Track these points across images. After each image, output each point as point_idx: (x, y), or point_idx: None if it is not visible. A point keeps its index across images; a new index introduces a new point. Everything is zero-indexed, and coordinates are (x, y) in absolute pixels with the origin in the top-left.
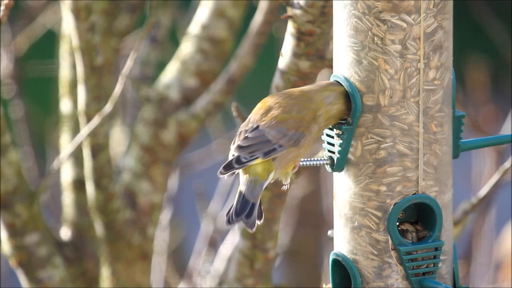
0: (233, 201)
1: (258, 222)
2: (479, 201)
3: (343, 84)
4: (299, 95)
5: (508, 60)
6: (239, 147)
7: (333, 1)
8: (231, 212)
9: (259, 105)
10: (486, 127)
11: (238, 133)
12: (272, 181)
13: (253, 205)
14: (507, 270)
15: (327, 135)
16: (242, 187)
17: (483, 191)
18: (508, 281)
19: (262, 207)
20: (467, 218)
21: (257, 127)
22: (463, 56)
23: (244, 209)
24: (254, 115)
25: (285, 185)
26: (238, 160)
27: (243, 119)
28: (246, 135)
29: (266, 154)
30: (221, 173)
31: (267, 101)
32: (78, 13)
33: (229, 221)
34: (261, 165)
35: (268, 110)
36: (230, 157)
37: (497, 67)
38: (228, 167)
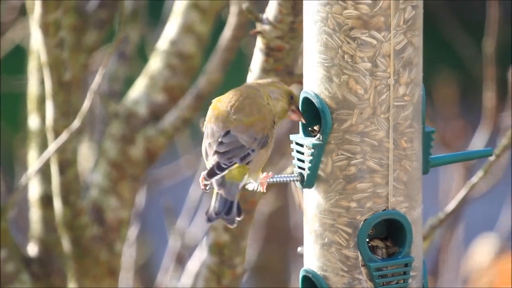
0: (211, 201)
1: (238, 219)
2: (446, 216)
3: (313, 100)
4: (249, 91)
5: (477, 75)
6: (217, 153)
7: (304, 17)
8: (211, 211)
9: (214, 113)
10: (455, 142)
11: (206, 145)
12: (247, 184)
13: (232, 202)
14: (474, 285)
15: (297, 151)
16: (218, 189)
17: (450, 206)
18: None
19: (240, 206)
20: (435, 233)
21: (228, 131)
22: (432, 71)
23: (223, 207)
24: (216, 122)
25: (254, 185)
26: (219, 167)
27: None
28: (220, 140)
29: (242, 159)
30: (205, 179)
31: (219, 106)
32: (47, 28)
33: (209, 219)
34: (237, 169)
35: (227, 115)
36: (210, 164)
37: (465, 82)
38: (211, 174)
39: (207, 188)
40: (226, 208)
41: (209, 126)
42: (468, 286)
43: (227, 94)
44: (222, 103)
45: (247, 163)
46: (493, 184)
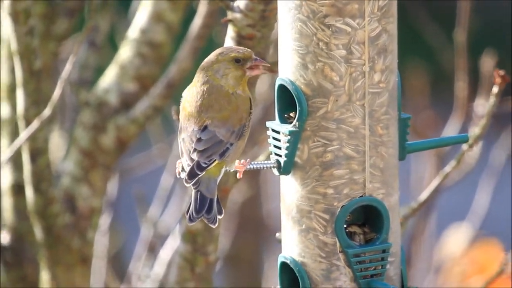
0: (190, 200)
1: (219, 217)
2: (419, 206)
3: (288, 87)
4: (207, 87)
5: (448, 65)
6: (196, 151)
7: (278, 4)
8: (191, 210)
9: (184, 113)
10: (425, 132)
11: (180, 140)
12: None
13: (211, 200)
14: (446, 274)
15: (274, 138)
16: (196, 187)
17: (423, 195)
18: (447, 285)
19: (220, 203)
20: (408, 223)
21: (206, 127)
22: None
23: (203, 206)
24: (188, 122)
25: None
26: (198, 166)
27: None
28: (198, 136)
29: (221, 155)
30: (186, 182)
31: (186, 106)
32: (17, 16)
33: (191, 219)
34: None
35: (199, 115)
36: (188, 163)
37: (436, 72)
38: (192, 175)
39: (182, 175)
40: (207, 207)
41: (183, 122)
42: (440, 275)
43: (190, 92)
44: (189, 103)
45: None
46: (465, 173)
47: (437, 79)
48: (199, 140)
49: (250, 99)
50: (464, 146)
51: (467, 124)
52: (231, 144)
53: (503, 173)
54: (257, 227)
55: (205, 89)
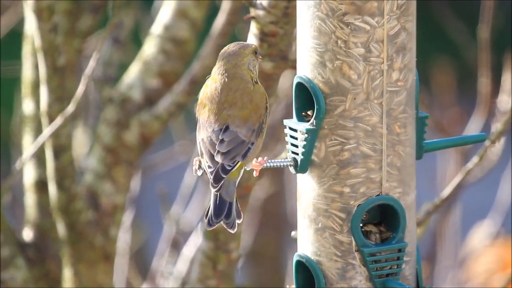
0: (209, 203)
1: (238, 222)
2: (441, 202)
3: (306, 85)
4: (235, 82)
5: (472, 61)
6: (220, 153)
7: (297, 2)
8: (210, 214)
9: (205, 109)
10: (451, 129)
11: (200, 140)
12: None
13: (231, 204)
14: (471, 270)
15: (291, 136)
16: (217, 190)
17: (446, 192)
18: (471, 282)
19: (239, 207)
20: (430, 219)
21: (227, 127)
22: (428, 59)
23: (222, 210)
24: (209, 119)
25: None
26: (223, 169)
27: None
28: (221, 137)
29: (244, 156)
30: (213, 186)
31: (207, 103)
32: (41, 13)
33: (210, 224)
34: None
35: (221, 112)
36: (209, 164)
37: (461, 69)
38: (218, 178)
39: (198, 172)
40: (226, 211)
41: (202, 120)
42: (464, 272)
43: (211, 88)
44: (210, 100)
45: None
46: (488, 170)
47: (461, 76)
48: (221, 141)
49: (265, 93)
50: (487, 143)
51: (490, 120)
52: (252, 144)
53: None
54: (279, 224)
55: (231, 84)
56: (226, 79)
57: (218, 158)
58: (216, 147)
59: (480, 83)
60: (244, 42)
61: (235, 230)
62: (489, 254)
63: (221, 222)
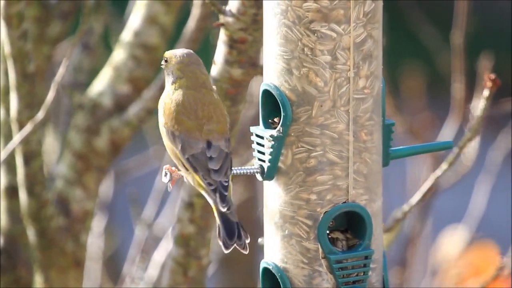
0: (217, 223)
1: (247, 241)
2: (410, 209)
3: (273, 92)
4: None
5: (444, 67)
6: (213, 172)
7: (264, 9)
8: (224, 236)
9: (183, 126)
10: (423, 134)
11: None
12: None
13: (238, 224)
14: (443, 276)
15: (257, 143)
16: (227, 209)
17: (415, 198)
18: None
19: (243, 225)
20: (402, 225)
21: (210, 143)
22: (398, 63)
23: (233, 231)
24: (190, 135)
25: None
26: (223, 186)
27: None
28: (209, 155)
29: (231, 168)
30: (223, 207)
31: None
32: (10, 20)
33: (226, 246)
34: None
35: (201, 128)
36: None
37: (433, 74)
38: (223, 199)
39: (163, 179)
40: (237, 232)
41: (183, 136)
42: (436, 278)
43: (184, 100)
44: (187, 115)
45: None
46: (462, 175)
47: (434, 80)
48: (211, 159)
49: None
50: (455, 150)
51: (464, 125)
52: (230, 153)
53: (499, 175)
54: (252, 229)
55: (200, 96)
56: (193, 91)
57: (215, 177)
58: (209, 165)
59: (454, 88)
60: (185, 49)
61: (248, 251)
62: (462, 259)
63: (235, 245)
